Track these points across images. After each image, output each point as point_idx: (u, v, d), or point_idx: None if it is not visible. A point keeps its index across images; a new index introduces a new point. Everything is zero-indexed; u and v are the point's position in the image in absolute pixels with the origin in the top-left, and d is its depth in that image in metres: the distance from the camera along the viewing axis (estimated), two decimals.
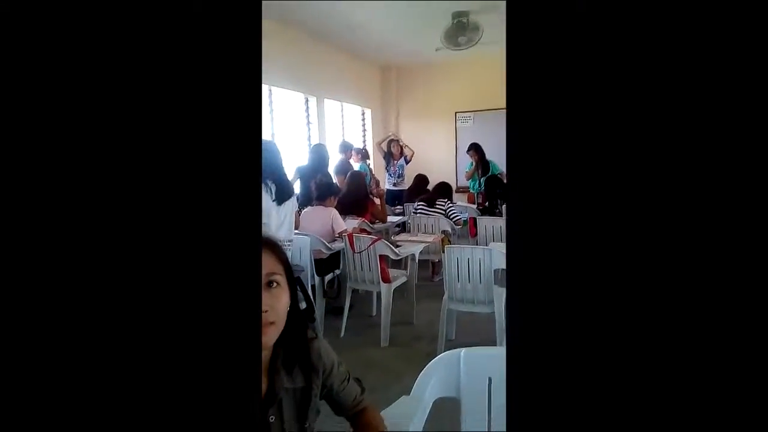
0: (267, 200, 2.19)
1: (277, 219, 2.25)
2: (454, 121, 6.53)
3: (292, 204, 2.40)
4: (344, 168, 4.07)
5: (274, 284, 0.70)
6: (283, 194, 2.27)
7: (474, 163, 5.04)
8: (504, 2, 0.49)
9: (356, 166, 4.55)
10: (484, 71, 5.69)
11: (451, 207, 3.85)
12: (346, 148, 4.60)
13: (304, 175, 3.58)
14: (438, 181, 4.13)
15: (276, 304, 0.69)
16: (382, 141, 5.50)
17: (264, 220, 2.18)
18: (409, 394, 0.96)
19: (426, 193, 4.01)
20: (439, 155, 6.29)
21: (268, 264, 0.70)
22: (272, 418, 0.74)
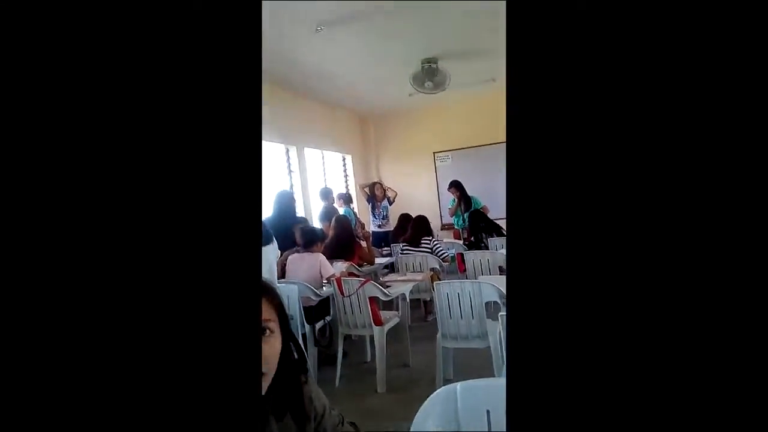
0: None
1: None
2: (433, 161, 6.67)
3: (273, 251, 2.38)
4: (329, 214, 4.07)
5: (267, 331, 0.68)
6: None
7: (456, 200, 5.12)
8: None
9: (341, 210, 4.57)
10: (457, 112, 5.91)
11: (437, 244, 3.86)
12: (327, 194, 4.64)
13: (272, 226, 3.54)
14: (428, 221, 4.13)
15: (268, 353, 0.67)
16: (365, 185, 5.58)
17: None
18: None
19: (418, 232, 3.97)
20: (421, 194, 6.38)
21: (261, 310, 0.69)
22: None
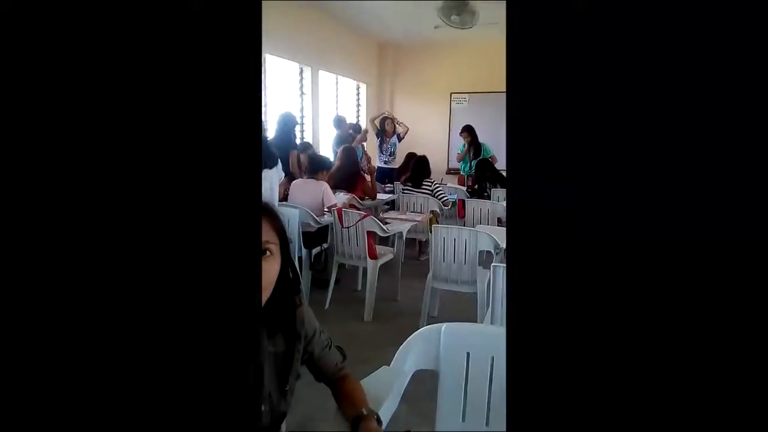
0: None
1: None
2: (449, 101, 6.48)
3: (276, 173, 2.38)
4: (343, 143, 4.02)
5: (267, 252, 0.71)
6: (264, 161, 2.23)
7: (466, 145, 5.03)
8: None
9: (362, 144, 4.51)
10: (482, 53, 5.62)
11: (438, 187, 3.85)
12: (340, 123, 4.54)
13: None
14: (431, 162, 4.09)
15: (265, 273, 0.70)
16: (376, 118, 5.45)
17: None
18: (388, 366, 0.98)
19: (417, 173, 3.95)
20: (432, 135, 6.27)
21: (263, 232, 0.71)
22: None
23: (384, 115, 5.38)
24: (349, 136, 4.45)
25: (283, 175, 2.55)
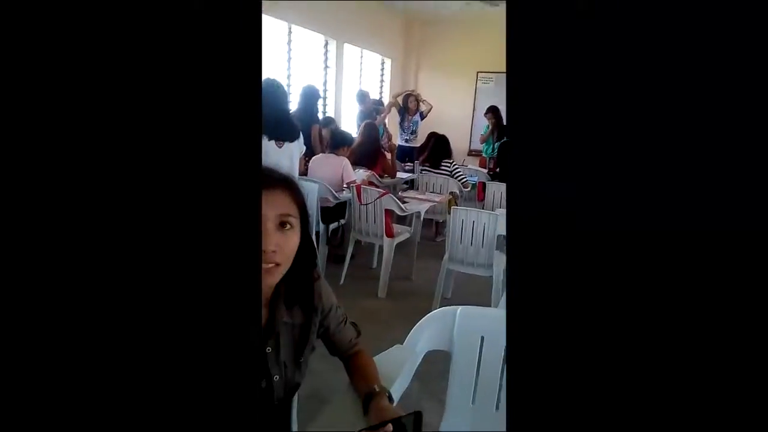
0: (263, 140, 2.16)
1: (275, 160, 2.20)
2: (474, 80, 6.34)
3: (297, 147, 2.36)
4: (366, 119, 3.98)
5: (287, 225, 0.70)
6: (282, 133, 2.22)
7: (490, 127, 4.94)
8: None
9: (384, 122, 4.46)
10: None
11: (457, 168, 3.78)
12: (363, 98, 4.48)
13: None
14: (452, 142, 4.01)
15: (285, 246, 0.70)
16: (399, 95, 5.37)
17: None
18: (401, 344, 0.98)
19: (435, 153, 3.88)
20: (455, 114, 6.16)
21: (283, 204, 0.70)
22: (269, 350, 0.77)
23: (407, 92, 5.29)
24: (372, 111, 4.40)
25: (305, 148, 2.54)
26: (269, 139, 2.19)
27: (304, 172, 2.97)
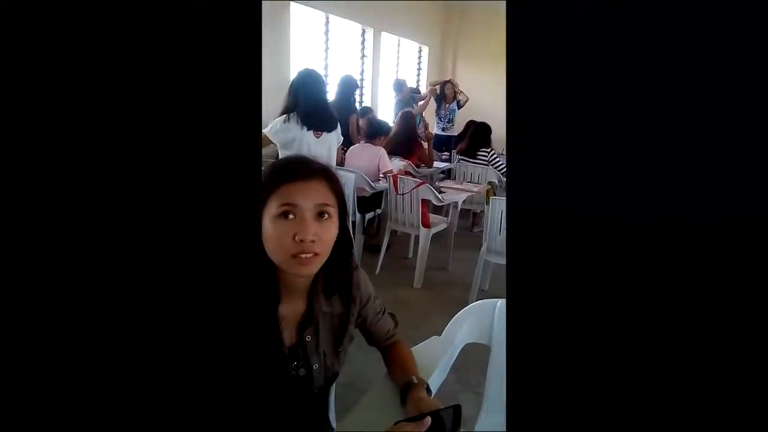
0: (298, 130, 2.17)
1: (314, 150, 2.21)
2: None
3: (335, 137, 2.37)
4: (403, 108, 3.95)
5: (325, 215, 0.70)
6: (320, 123, 2.22)
7: None
8: None
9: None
10: None
11: (495, 157, 3.68)
12: (401, 87, 4.44)
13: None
14: (491, 130, 3.91)
15: (324, 236, 0.70)
16: (436, 83, 5.29)
17: (296, 148, 2.19)
18: (438, 335, 0.97)
19: (474, 141, 3.76)
20: (493, 103, 5.98)
21: (321, 194, 0.70)
22: (308, 338, 0.77)
23: (445, 81, 5.20)
24: (410, 100, 4.36)
25: (342, 139, 2.55)
26: (307, 129, 2.20)
27: (341, 162, 2.99)
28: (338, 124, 2.43)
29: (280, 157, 2.15)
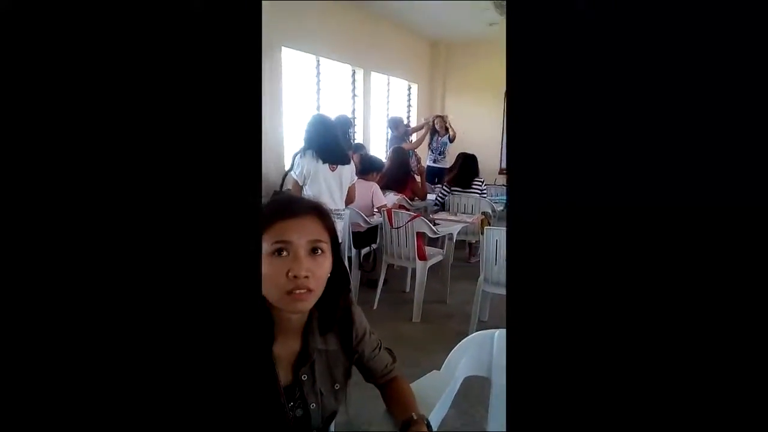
0: (315, 164, 2.44)
1: (328, 181, 2.48)
2: (502, 101, 6.32)
3: (348, 170, 2.56)
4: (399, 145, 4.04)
5: (319, 251, 0.71)
6: (333, 158, 2.48)
7: None
8: None
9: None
10: None
11: (483, 187, 3.75)
12: (397, 124, 4.53)
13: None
14: (481, 162, 3.97)
15: (318, 271, 0.70)
16: (429, 118, 5.40)
17: (311, 185, 2.44)
18: (438, 369, 0.96)
19: (464, 171, 3.81)
20: (484, 135, 6.13)
21: (315, 231, 0.71)
22: (305, 377, 0.76)
23: (437, 115, 5.31)
24: (405, 136, 4.44)
25: (356, 177, 2.70)
26: (323, 163, 2.46)
27: (351, 199, 2.98)
28: (351, 160, 2.64)
29: (305, 192, 2.42)
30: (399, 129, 4.52)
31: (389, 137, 4.38)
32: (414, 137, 4.74)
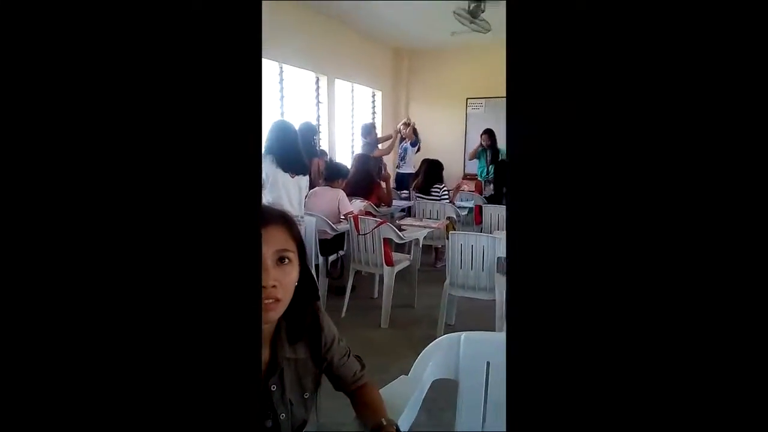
0: (274, 169, 2.46)
1: (288, 188, 2.50)
2: (464, 107, 6.46)
3: (305, 181, 2.57)
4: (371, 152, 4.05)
5: (286, 260, 0.71)
6: (294, 167, 2.49)
7: (485, 147, 4.99)
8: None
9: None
10: (499, 57, 5.56)
11: (444, 192, 3.82)
12: (369, 131, 4.53)
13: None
14: (445, 168, 4.05)
15: (285, 280, 0.70)
16: (398, 127, 5.42)
17: (270, 190, 2.45)
18: (406, 374, 0.97)
19: (428, 178, 3.89)
20: (447, 141, 6.25)
21: (281, 240, 0.71)
22: (274, 387, 0.76)
23: (404, 121, 5.34)
24: (375, 144, 4.46)
25: (308, 184, 2.70)
26: (283, 171, 2.47)
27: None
28: (308, 169, 2.65)
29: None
30: (371, 135, 4.53)
31: (362, 144, 4.38)
32: (383, 145, 4.77)
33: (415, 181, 3.97)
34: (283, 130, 2.56)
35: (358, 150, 4.46)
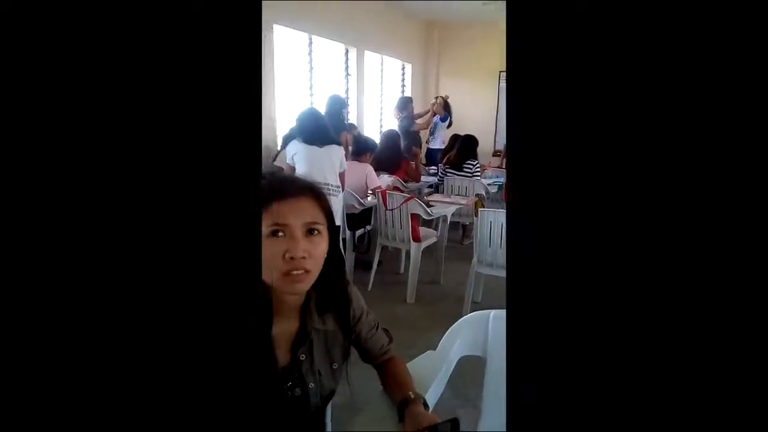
0: (299, 145, 2.53)
1: (320, 159, 2.53)
2: (497, 81, 6.27)
3: (336, 150, 2.59)
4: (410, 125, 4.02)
5: (315, 232, 0.71)
6: (317, 137, 2.53)
7: None
8: None
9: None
10: None
11: (478, 169, 3.74)
12: (406, 104, 4.45)
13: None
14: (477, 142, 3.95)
15: (315, 252, 0.70)
16: (434, 103, 5.31)
17: (299, 166, 2.51)
18: (432, 350, 0.97)
19: (462, 153, 3.83)
20: (478, 116, 6.09)
21: (311, 212, 0.71)
22: (303, 357, 0.77)
23: (438, 96, 5.22)
24: (412, 118, 4.40)
25: (344, 160, 2.71)
26: (310, 144, 2.52)
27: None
28: (338, 139, 2.69)
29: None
30: (407, 109, 4.46)
31: (400, 118, 4.31)
32: (421, 120, 4.71)
33: (447, 156, 3.90)
34: (303, 112, 2.66)
35: (387, 124, 4.41)
